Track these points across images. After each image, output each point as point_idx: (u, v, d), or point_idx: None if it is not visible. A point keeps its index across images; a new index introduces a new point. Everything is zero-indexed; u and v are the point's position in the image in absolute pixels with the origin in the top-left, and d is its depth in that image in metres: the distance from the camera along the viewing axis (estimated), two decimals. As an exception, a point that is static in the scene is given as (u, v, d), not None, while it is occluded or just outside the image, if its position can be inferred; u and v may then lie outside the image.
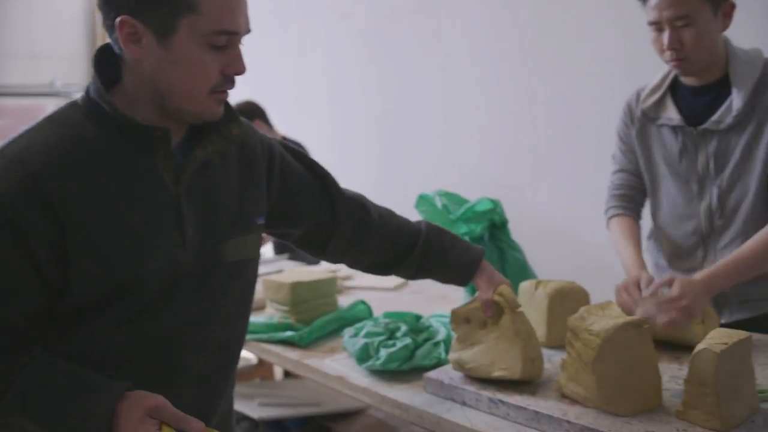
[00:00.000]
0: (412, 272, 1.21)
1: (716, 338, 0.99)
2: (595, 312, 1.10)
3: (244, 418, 2.43)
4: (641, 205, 1.70)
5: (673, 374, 1.20)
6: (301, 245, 1.18)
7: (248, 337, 1.73)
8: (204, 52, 0.86)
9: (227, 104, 0.96)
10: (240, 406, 2.22)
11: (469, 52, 3.26)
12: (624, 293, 1.36)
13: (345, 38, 4.04)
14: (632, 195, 1.67)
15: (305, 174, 1.13)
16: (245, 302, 1.03)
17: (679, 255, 1.61)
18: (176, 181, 0.91)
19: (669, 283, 1.32)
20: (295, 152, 1.15)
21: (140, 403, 0.79)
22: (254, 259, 1.02)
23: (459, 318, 1.25)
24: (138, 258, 0.86)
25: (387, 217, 1.22)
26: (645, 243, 1.76)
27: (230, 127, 0.96)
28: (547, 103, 2.92)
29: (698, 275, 1.33)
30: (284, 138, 3.43)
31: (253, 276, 1.03)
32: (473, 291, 1.75)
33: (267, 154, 1.07)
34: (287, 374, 3.06)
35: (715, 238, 1.52)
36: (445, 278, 1.23)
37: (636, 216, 1.67)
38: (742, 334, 1.01)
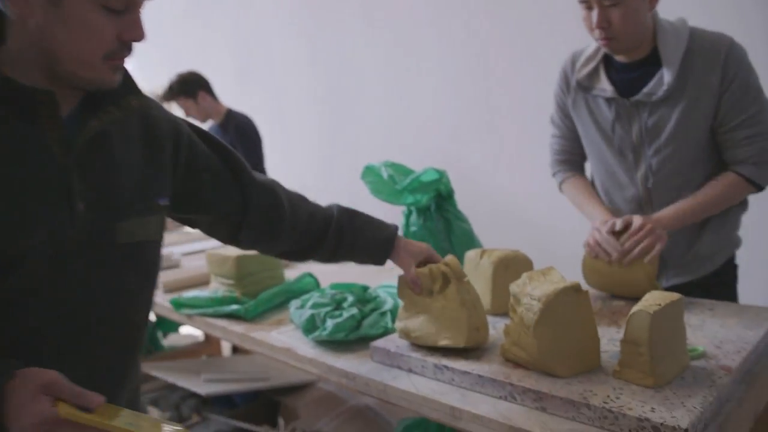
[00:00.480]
0: (327, 257, 1.20)
1: (650, 300, 1.03)
2: (537, 278, 1.13)
3: (191, 395, 2.42)
4: (582, 164, 1.77)
5: (611, 337, 1.25)
6: (211, 233, 1.13)
7: (193, 312, 1.70)
8: (99, 14, 0.81)
9: (127, 74, 0.91)
10: (186, 383, 2.20)
11: (419, 20, 3.24)
12: (595, 233, 1.45)
13: (289, 9, 3.97)
14: (575, 159, 1.74)
15: (214, 158, 1.07)
16: (146, 284, 0.98)
17: (618, 213, 1.67)
18: (66, 152, 0.85)
19: (629, 222, 1.43)
20: (205, 135, 1.09)
21: (31, 381, 0.74)
22: (155, 241, 0.97)
23: (406, 286, 1.26)
24: (18, 232, 0.81)
25: (298, 204, 1.19)
26: None
27: (129, 99, 0.91)
28: (501, 75, 2.94)
29: (653, 216, 1.46)
30: (229, 110, 3.37)
31: (153, 258, 0.98)
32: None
33: (174, 134, 1.01)
34: (235, 350, 3.05)
35: (652, 206, 1.58)
36: (362, 260, 1.22)
37: (582, 173, 1.75)
38: (674, 296, 1.05)
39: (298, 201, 1.20)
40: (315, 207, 1.21)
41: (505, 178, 3.08)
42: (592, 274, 1.48)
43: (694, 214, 1.48)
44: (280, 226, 1.15)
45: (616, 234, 1.44)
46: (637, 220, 1.42)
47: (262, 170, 3.47)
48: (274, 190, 1.16)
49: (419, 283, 1.21)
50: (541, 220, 2.89)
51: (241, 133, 3.29)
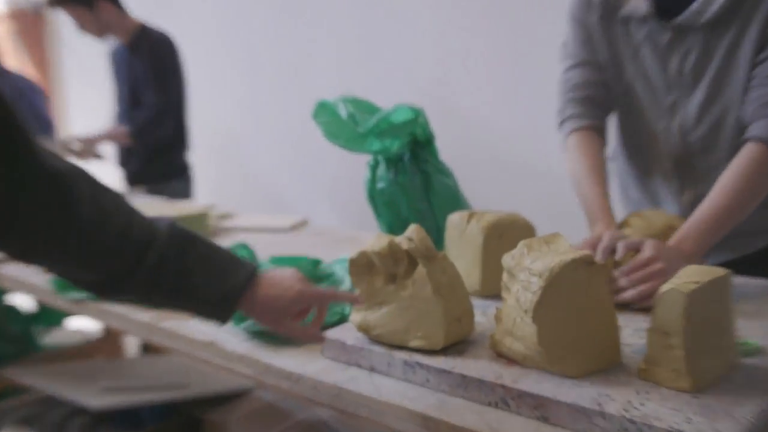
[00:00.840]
0: (138, 299, 1.12)
1: (685, 276, 1.06)
2: (538, 247, 1.15)
3: (78, 411, 2.38)
4: (608, 111, 1.74)
5: (637, 326, 1.28)
6: None
7: (83, 296, 1.70)
8: None
9: None
10: (73, 394, 2.16)
11: None
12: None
13: None
14: (597, 97, 1.70)
15: None
16: None
17: (652, 183, 1.69)
18: None
19: (636, 248, 1.40)
20: None
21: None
22: None
23: (359, 266, 1.27)
24: None
25: (109, 213, 1.07)
26: (608, 166, 1.84)
27: None
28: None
29: (671, 241, 1.41)
30: (143, 27, 3.32)
31: None
32: (391, 231, 1.79)
33: None
34: (145, 350, 3.05)
35: (693, 164, 1.61)
36: (192, 313, 1.17)
37: (602, 128, 1.72)
38: (718, 271, 1.07)
39: (112, 209, 1.08)
40: (137, 220, 1.10)
41: (501, 120, 3.09)
42: None
43: (724, 226, 1.44)
44: (65, 239, 1.03)
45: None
46: (647, 249, 1.38)
47: (181, 109, 3.45)
48: (70, 186, 1.03)
49: (357, 298, 1.27)
50: (547, 175, 2.92)
51: (156, 56, 3.24)
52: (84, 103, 5.65)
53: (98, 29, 3.28)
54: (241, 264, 1.19)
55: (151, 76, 3.27)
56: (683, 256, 1.40)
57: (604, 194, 1.60)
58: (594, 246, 1.43)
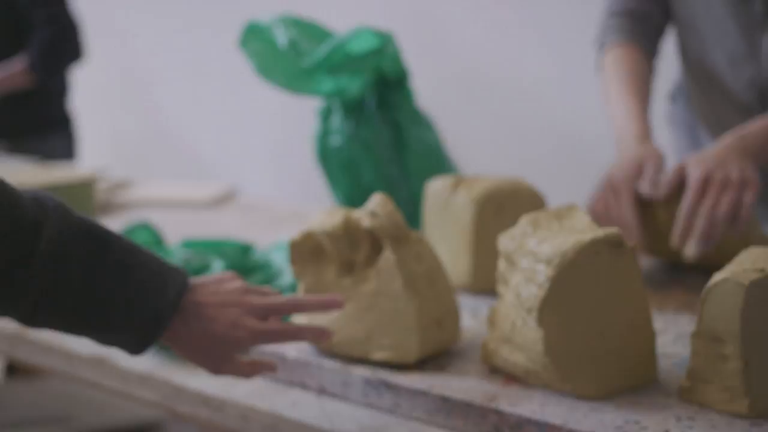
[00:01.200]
0: (23, 315, 1.09)
1: (747, 262, 1.06)
2: (547, 224, 1.15)
3: None
4: (660, 32, 1.79)
5: (680, 330, 1.29)
6: None
7: None
8: None
9: None
10: None
11: None
12: (609, 194, 1.46)
13: None
14: (646, 13, 1.75)
15: None
16: None
17: (728, 124, 1.71)
18: None
19: (681, 177, 1.43)
20: None
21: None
22: None
23: (303, 252, 1.27)
24: None
25: None
26: (665, 109, 1.86)
27: None
28: None
29: (725, 138, 1.46)
30: None
31: None
32: (350, 203, 1.78)
33: None
34: (12, 372, 3.03)
35: None
36: (97, 339, 1.14)
37: (650, 48, 1.76)
38: (791, 254, 1.09)
39: None
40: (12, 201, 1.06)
41: (499, 55, 3.09)
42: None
43: None
44: None
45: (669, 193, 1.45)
46: (693, 168, 1.41)
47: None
48: None
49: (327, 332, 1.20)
50: (561, 132, 2.93)
51: None
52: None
53: None
54: (168, 269, 1.13)
55: None
56: (743, 153, 1.43)
57: (639, 104, 1.63)
58: (631, 174, 1.46)
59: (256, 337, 1.13)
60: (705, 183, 1.40)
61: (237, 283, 1.16)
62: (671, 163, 1.54)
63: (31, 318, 1.08)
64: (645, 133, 1.59)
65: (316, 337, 1.18)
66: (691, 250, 1.39)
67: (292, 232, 1.35)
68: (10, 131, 3.42)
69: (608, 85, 1.70)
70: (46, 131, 3.46)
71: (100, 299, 1.07)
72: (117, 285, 1.08)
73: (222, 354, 1.13)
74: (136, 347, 1.11)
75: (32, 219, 1.04)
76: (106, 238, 1.09)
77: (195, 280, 1.14)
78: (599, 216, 1.48)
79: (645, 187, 1.46)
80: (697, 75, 1.76)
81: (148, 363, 1.36)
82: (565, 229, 1.14)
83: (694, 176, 1.41)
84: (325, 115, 1.80)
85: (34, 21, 3.32)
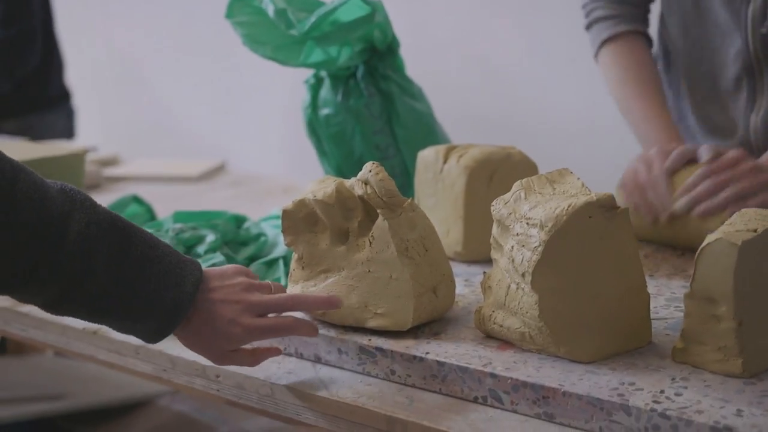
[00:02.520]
0: (45, 302, 1.12)
1: (740, 223, 1.07)
2: (540, 188, 1.16)
3: None
4: (648, 9, 1.82)
5: (674, 294, 1.30)
6: None
7: None
8: None
9: None
10: None
11: None
12: (641, 165, 1.52)
13: None
14: None
15: None
16: None
17: (711, 101, 1.72)
18: None
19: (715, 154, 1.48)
20: None
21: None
22: None
23: (296, 221, 1.28)
24: None
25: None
26: None
27: None
28: None
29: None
30: None
31: None
32: (340, 175, 1.79)
33: None
34: (2, 348, 3.02)
35: None
36: (117, 327, 1.17)
37: (643, 31, 1.79)
38: (785, 215, 1.10)
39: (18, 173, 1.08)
40: (44, 192, 1.09)
41: (491, 27, 3.09)
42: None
43: None
44: None
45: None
46: (734, 151, 1.48)
47: (49, 18, 3.42)
48: None
49: (329, 301, 1.22)
50: (554, 102, 2.93)
51: None
52: None
53: None
54: (182, 264, 1.15)
55: None
56: None
57: (664, 112, 1.68)
58: (676, 159, 1.50)
59: (252, 333, 1.16)
60: (736, 161, 1.44)
61: (240, 279, 1.18)
62: None
63: (56, 306, 1.11)
64: (674, 133, 1.65)
65: (310, 331, 1.20)
66: (681, 203, 1.45)
67: (284, 204, 1.36)
68: (8, 110, 3.40)
69: (616, 87, 1.74)
70: (45, 109, 3.45)
71: (123, 290, 1.10)
72: (139, 277, 1.11)
73: (220, 348, 1.16)
74: (154, 336, 1.15)
75: (60, 211, 1.07)
76: (129, 231, 1.12)
77: (204, 272, 1.17)
78: (629, 186, 1.54)
79: (671, 161, 1.50)
80: (677, 48, 1.77)
81: (142, 335, 1.38)
82: (558, 194, 1.14)
83: (731, 154, 1.46)
84: (314, 86, 1.81)
85: None
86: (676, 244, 1.52)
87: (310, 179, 2.21)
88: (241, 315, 1.14)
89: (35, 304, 1.12)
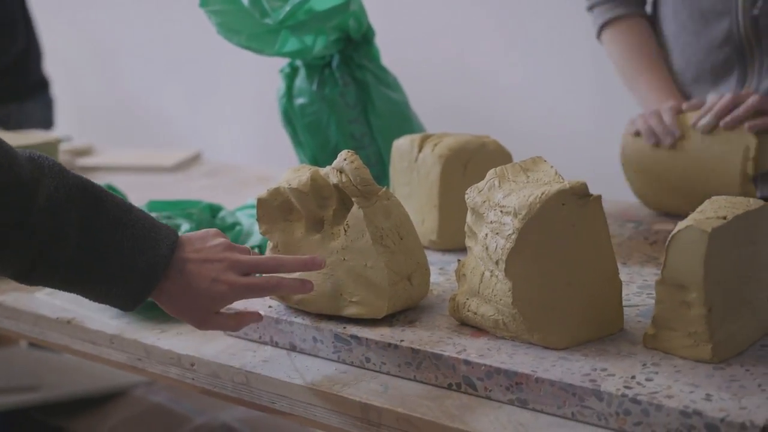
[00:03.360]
0: (15, 271, 1.12)
1: (710, 210, 1.09)
2: (513, 176, 1.17)
3: None
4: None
5: (646, 281, 1.32)
6: None
7: None
8: None
9: None
10: None
11: None
12: (652, 117, 1.61)
13: None
14: None
15: None
16: None
17: (701, 83, 1.75)
18: None
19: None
20: None
21: None
22: None
23: (271, 209, 1.29)
24: None
25: None
26: None
27: None
28: None
29: None
30: None
31: None
32: (315, 164, 1.80)
33: None
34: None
35: (761, 52, 1.68)
36: (90, 294, 1.16)
37: (645, 14, 1.85)
38: (753, 203, 1.11)
39: None
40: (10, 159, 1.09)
41: (464, 16, 3.10)
42: (638, 161, 1.61)
43: None
44: None
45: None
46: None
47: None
48: None
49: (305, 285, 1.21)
50: (528, 91, 2.94)
51: None
52: None
53: None
54: (158, 227, 1.16)
55: None
56: None
57: (666, 77, 1.77)
58: (676, 109, 1.63)
59: (237, 290, 1.15)
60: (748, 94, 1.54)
61: (219, 239, 1.18)
62: None
63: (28, 275, 1.11)
64: (673, 96, 1.72)
65: (297, 288, 1.19)
66: (705, 119, 1.55)
67: (259, 193, 1.36)
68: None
69: (626, 61, 1.80)
70: (23, 98, 3.42)
71: (96, 255, 1.10)
72: (112, 241, 1.11)
73: (205, 308, 1.16)
74: (130, 301, 1.14)
75: (29, 177, 1.07)
76: (100, 195, 1.12)
77: (182, 236, 1.17)
78: (639, 125, 1.62)
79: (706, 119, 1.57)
80: (673, 32, 1.79)
81: (116, 324, 1.38)
82: (531, 182, 1.16)
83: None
84: (289, 74, 1.81)
85: None
86: (694, 175, 1.59)
87: (285, 169, 2.22)
88: (224, 273, 1.14)
89: (7, 276, 1.11)
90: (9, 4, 3.33)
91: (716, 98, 1.56)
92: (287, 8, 1.66)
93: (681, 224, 1.06)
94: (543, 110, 2.90)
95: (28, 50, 3.46)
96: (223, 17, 1.71)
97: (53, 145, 1.84)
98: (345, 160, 1.23)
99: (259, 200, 1.28)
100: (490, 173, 1.18)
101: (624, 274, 1.25)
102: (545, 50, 2.86)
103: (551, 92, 2.89)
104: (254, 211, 1.70)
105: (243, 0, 1.68)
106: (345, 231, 1.23)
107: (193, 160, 2.48)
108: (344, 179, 1.22)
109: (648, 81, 1.75)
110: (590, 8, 1.87)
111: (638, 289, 1.29)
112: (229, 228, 1.62)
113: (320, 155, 1.79)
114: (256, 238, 1.57)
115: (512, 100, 2.99)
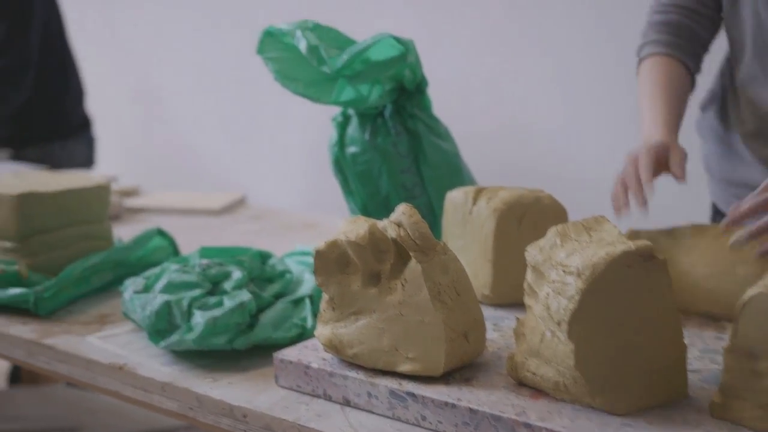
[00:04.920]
0: None
1: (781, 274, 1.07)
2: (576, 235, 1.15)
3: None
4: (704, 48, 1.82)
5: (707, 345, 1.29)
6: None
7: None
8: None
9: None
10: None
11: None
12: (629, 164, 1.52)
13: None
14: (691, 28, 1.77)
15: None
16: None
17: (735, 148, 1.73)
18: None
19: None
20: None
21: None
22: None
23: (329, 262, 1.26)
24: None
25: None
26: (698, 115, 1.88)
27: None
28: None
29: None
30: None
31: None
32: (366, 213, 1.79)
33: None
34: (17, 379, 3.01)
35: None
36: None
37: (691, 62, 1.79)
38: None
39: None
40: None
41: (518, 71, 3.10)
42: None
43: None
44: None
45: None
46: None
47: (65, 40, 3.42)
48: None
49: None
50: (583, 149, 2.94)
51: None
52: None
53: None
54: None
55: None
56: None
57: (669, 103, 1.68)
58: (655, 151, 1.53)
59: None
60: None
61: None
62: (696, 171, 1.58)
63: None
64: (669, 125, 1.63)
65: None
66: (737, 237, 1.34)
67: (305, 239, 1.36)
68: (29, 138, 3.39)
69: (642, 88, 1.74)
70: (65, 137, 3.45)
71: None
72: None
73: None
74: None
75: None
76: None
77: None
78: (619, 186, 1.54)
79: (674, 165, 1.52)
80: (737, 83, 1.77)
81: (168, 371, 1.37)
82: (594, 241, 1.13)
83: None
84: (342, 123, 1.81)
85: None
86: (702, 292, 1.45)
87: (330, 214, 2.22)
88: None
89: None
90: (52, 44, 3.36)
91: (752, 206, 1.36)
92: (345, 57, 1.66)
93: (751, 290, 1.04)
94: (595, 167, 2.88)
95: (71, 90, 3.49)
96: (280, 64, 1.72)
97: (105, 189, 1.83)
98: (403, 213, 1.22)
99: (317, 252, 1.27)
100: (552, 231, 1.17)
101: (686, 336, 1.22)
102: (598, 108, 2.86)
103: (603, 149, 2.88)
104: (303, 258, 1.71)
105: (300, 48, 1.68)
106: (402, 285, 1.21)
107: (239, 203, 2.48)
108: (402, 233, 1.21)
109: (649, 108, 1.69)
110: (640, 48, 1.83)
111: (700, 353, 1.26)
112: (280, 276, 1.61)
113: (371, 204, 1.78)
114: (307, 286, 1.55)
115: (564, 156, 2.98)
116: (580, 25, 2.93)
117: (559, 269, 1.11)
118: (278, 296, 1.53)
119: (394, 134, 1.76)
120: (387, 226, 1.23)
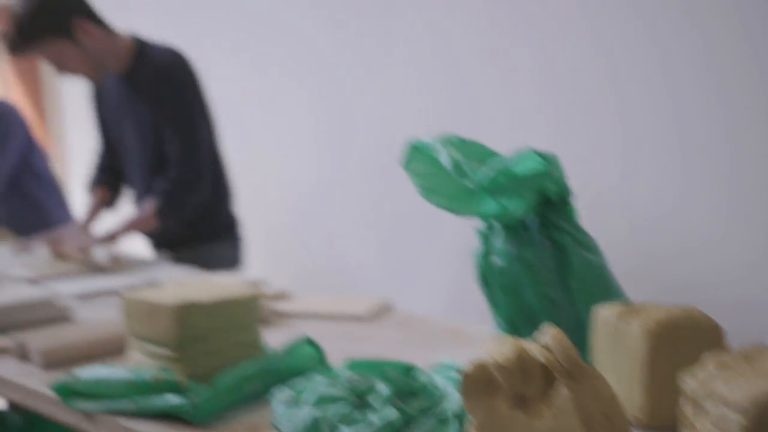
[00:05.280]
0: None
1: None
2: (736, 365, 1.13)
3: None
4: None
5: None
6: None
7: (96, 407, 1.72)
8: None
9: None
10: None
11: None
12: None
13: None
14: None
15: None
16: None
17: None
18: None
19: None
20: None
21: None
22: None
23: (477, 384, 1.26)
24: None
25: None
26: None
27: None
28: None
29: None
30: (140, 45, 3.32)
31: None
32: (511, 326, 1.78)
33: None
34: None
35: None
36: None
37: None
38: None
39: None
40: None
41: (668, 173, 3.07)
42: None
43: None
44: None
45: None
46: None
47: (215, 149, 3.49)
48: None
49: None
50: (740, 252, 2.86)
51: (166, 87, 3.28)
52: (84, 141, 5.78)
53: (89, 64, 3.23)
54: None
55: (169, 117, 3.28)
56: None
57: None
58: None
59: None
60: None
61: None
62: None
63: None
64: None
65: None
66: None
67: (452, 350, 1.34)
68: (179, 240, 3.46)
69: None
70: (213, 239, 3.51)
71: None
72: None
73: None
74: None
75: None
76: None
77: None
78: None
79: None
80: None
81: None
82: (758, 372, 1.10)
83: None
84: (487, 235, 1.81)
85: (167, 155, 3.34)
86: None
87: (475, 321, 2.20)
88: None
89: None
90: (197, 158, 3.39)
91: None
92: (489, 173, 1.67)
93: None
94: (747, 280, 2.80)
95: (221, 192, 3.55)
96: (425, 180, 1.74)
97: (254, 299, 1.87)
98: (552, 337, 1.22)
99: (465, 376, 1.26)
100: (710, 361, 1.14)
101: None
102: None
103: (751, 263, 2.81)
104: (449, 373, 1.68)
105: (443, 162, 1.71)
106: (552, 411, 1.20)
107: (384, 309, 2.49)
108: (551, 358, 1.20)
109: None
110: None
111: None
112: (423, 390, 1.60)
113: (517, 317, 1.77)
114: (452, 402, 1.53)
115: (710, 263, 2.92)
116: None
117: (719, 402, 1.08)
118: (424, 411, 1.52)
119: (539, 246, 1.75)
120: (536, 349, 1.23)
